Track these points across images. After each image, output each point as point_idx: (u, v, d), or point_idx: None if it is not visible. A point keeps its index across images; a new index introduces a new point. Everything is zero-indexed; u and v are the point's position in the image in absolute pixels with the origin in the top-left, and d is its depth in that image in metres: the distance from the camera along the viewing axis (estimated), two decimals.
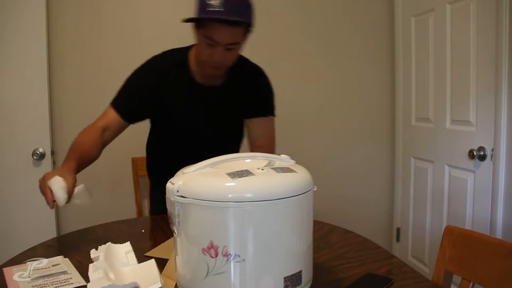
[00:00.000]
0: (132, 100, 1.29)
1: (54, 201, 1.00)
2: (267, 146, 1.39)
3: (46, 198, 1.01)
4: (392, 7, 2.37)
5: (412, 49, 2.22)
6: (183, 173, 0.77)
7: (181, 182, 0.74)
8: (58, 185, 1.01)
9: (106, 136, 1.28)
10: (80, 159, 1.19)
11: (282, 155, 0.86)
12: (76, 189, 1.08)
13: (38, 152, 1.84)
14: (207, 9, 1.08)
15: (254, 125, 1.39)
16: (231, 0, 1.08)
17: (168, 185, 0.75)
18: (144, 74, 1.30)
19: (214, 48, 1.13)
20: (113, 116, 1.28)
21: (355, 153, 2.43)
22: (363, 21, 2.36)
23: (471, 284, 0.97)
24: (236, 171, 0.74)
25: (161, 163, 1.47)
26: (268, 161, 0.84)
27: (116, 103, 1.30)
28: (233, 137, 1.44)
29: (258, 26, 2.22)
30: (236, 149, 1.46)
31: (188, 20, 1.13)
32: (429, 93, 2.08)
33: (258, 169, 0.76)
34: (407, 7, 2.25)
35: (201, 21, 1.12)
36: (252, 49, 2.22)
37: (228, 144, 1.41)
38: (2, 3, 1.77)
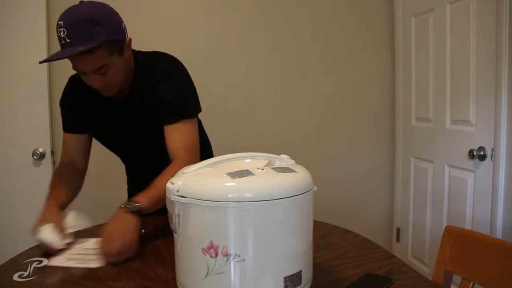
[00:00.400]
0: (68, 117, 1.32)
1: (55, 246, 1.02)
2: (181, 158, 1.12)
3: (46, 249, 1.03)
4: (392, 7, 2.37)
5: (412, 49, 2.21)
6: (183, 173, 0.77)
7: (181, 182, 0.74)
8: (46, 233, 1.02)
9: (80, 165, 1.34)
10: (62, 195, 1.25)
11: (282, 155, 0.86)
12: (68, 219, 1.09)
13: (38, 152, 1.84)
14: (61, 43, 1.04)
15: (167, 135, 1.17)
16: (75, 27, 1.02)
17: (168, 185, 0.75)
18: (65, 95, 1.32)
19: (87, 76, 1.08)
20: (68, 138, 1.32)
21: (355, 153, 2.43)
22: (363, 21, 2.37)
23: (471, 284, 0.97)
24: (236, 171, 0.74)
25: (129, 180, 1.54)
26: (268, 161, 0.84)
27: (64, 127, 1.34)
28: (156, 146, 1.23)
29: (258, 27, 2.22)
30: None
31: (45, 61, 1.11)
32: (429, 93, 2.08)
33: (258, 169, 0.76)
34: (407, 7, 2.25)
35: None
36: (252, 50, 2.24)
37: (159, 155, 1.19)
38: (2, 3, 1.77)
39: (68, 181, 1.29)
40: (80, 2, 1.09)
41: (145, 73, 1.21)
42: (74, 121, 1.30)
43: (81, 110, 1.26)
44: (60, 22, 1.03)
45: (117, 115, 1.23)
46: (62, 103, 1.32)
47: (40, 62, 1.12)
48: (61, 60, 2.12)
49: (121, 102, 1.21)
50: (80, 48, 1.00)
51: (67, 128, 1.32)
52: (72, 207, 2.11)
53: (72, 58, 1.04)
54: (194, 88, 1.26)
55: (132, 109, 1.21)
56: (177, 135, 1.16)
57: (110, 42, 1.06)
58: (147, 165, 1.21)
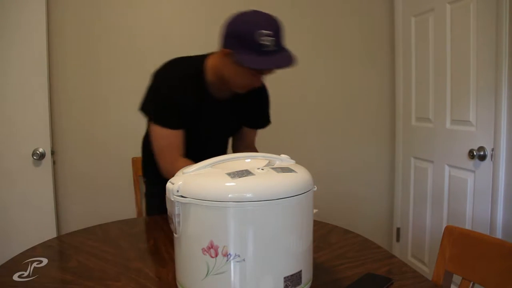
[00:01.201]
0: (173, 113, 1.27)
1: None
2: (256, 151, 1.54)
3: None
4: (392, 7, 2.37)
5: (412, 49, 2.21)
6: (183, 173, 0.77)
7: (181, 182, 0.74)
8: None
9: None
10: None
11: (282, 155, 0.86)
12: None
13: (38, 152, 1.84)
14: (262, 49, 1.10)
15: (250, 133, 1.52)
16: (278, 35, 1.13)
17: (168, 185, 0.75)
18: (176, 94, 1.27)
19: (257, 76, 1.19)
20: (176, 134, 1.27)
21: (355, 153, 2.43)
22: (363, 21, 2.36)
23: (471, 284, 0.97)
24: (236, 171, 0.74)
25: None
26: (268, 161, 0.84)
27: (167, 123, 1.26)
28: (228, 138, 1.54)
29: None
30: (226, 147, 1.56)
31: (242, 63, 1.14)
32: (429, 93, 2.08)
33: (258, 169, 0.76)
34: (407, 7, 2.25)
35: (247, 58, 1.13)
36: None
37: (224, 144, 1.52)
38: (1, 3, 1.77)
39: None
40: (254, 10, 1.20)
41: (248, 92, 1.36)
42: (181, 118, 1.28)
43: (190, 108, 1.29)
44: (262, 29, 1.11)
45: (215, 110, 1.34)
46: (173, 101, 1.26)
47: (257, 70, 1.17)
48: (62, 59, 2.12)
49: (226, 101, 1.35)
50: (291, 55, 1.15)
51: (174, 125, 1.26)
52: (71, 208, 2.11)
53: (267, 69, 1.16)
54: None
55: (234, 108, 1.38)
56: (254, 136, 1.55)
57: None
58: (209, 152, 1.18)
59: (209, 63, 1.28)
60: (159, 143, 1.28)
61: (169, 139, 1.26)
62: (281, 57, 1.13)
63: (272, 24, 1.14)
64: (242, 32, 1.12)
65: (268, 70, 1.17)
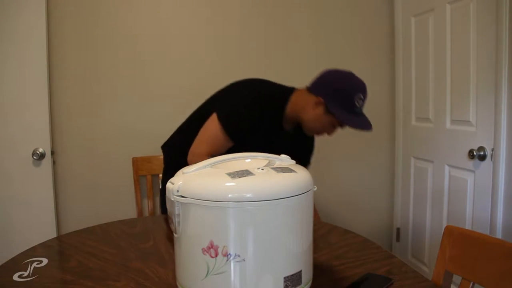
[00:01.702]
0: (242, 128, 1.36)
1: None
2: None
3: None
4: (392, 7, 2.37)
5: (412, 49, 2.21)
6: (183, 173, 0.77)
7: (181, 182, 0.74)
8: None
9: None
10: None
11: (282, 155, 0.86)
12: None
13: (38, 152, 1.84)
14: (355, 109, 1.30)
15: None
16: (365, 101, 1.33)
17: (168, 185, 0.75)
18: (253, 116, 1.36)
19: (335, 129, 1.37)
20: (226, 143, 1.34)
21: (355, 153, 2.43)
22: (363, 21, 2.36)
23: (471, 284, 0.97)
24: (236, 171, 0.74)
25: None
26: (268, 161, 0.84)
27: (231, 132, 1.34)
28: None
29: (256, 26, 2.22)
30: None
31: (336, 117, 1.32)
32: (429, 93, 2.08)
33: (258, 169, 0.76)
34: (407, 7, 2.25)
35: (347, 113, 1.30)
36: (251, 50, 2.23)
37: None
38: (1, 2, 1.77)
39: None
40: (351, 72, 1.36)
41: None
42: (244, 136, 1.36)
43: (261, 131, 1.39)
44: (360, 93, 1.31)
45: (280, 138, 1.45)
46: (249, 119, 1.36)
47: (338, 119, 1.34)
48: (62, 59, 2.12)
49: (288, 132, 1.47)
50: (369, 121, 1.34)
51: (234, 137, 1.35)
52: (71, 208, 2.11)
53: (356, 126, 1.32)
54: None
55: (291, 138, 1.47)
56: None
57: None
58: None
59: (293, 99, 1.41)
60: (208, 136, 1.34)
61: (218, 141, 1.33)
62: (365, 120, 1.33)
63: (365, 90, 1.33)
64: (346, 91, 1.29)
65: (350, 127, 1.33)
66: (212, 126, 1.34)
